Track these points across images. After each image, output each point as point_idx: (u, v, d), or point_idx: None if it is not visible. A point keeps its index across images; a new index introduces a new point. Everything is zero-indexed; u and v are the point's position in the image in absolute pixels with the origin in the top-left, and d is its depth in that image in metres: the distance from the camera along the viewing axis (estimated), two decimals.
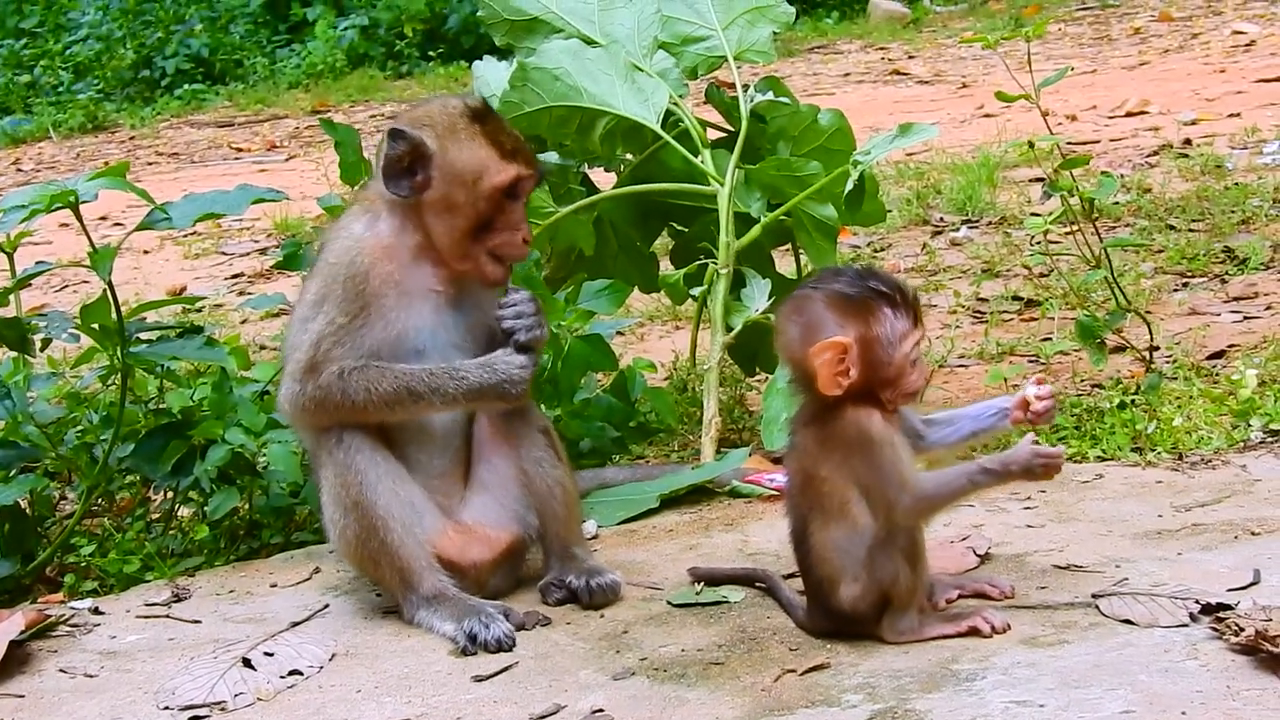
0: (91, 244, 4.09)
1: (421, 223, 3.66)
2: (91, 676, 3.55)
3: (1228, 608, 3.14)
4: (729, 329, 4.67)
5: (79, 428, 4.38)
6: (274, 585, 3.97)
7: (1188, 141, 9.34)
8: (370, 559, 3.63)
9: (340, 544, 3.67)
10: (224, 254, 9.66)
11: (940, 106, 12.30)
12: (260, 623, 3.73)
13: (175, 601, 3.93)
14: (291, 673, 3.43)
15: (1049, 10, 17.57)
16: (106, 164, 6.05)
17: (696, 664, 3.28)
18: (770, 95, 4.93)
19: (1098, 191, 4.65)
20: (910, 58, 15.89)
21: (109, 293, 4.10)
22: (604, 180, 5.19)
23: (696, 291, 4.83)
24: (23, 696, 3.48)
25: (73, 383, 4.78)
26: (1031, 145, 4.79)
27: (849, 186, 4.61)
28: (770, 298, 4.70)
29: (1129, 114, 10.84)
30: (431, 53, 20.47)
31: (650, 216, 5.09)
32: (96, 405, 4.41)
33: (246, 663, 3.46)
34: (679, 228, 5.09)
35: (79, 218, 4.09)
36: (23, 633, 3.67)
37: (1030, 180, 8.76)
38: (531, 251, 4.35)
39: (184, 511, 4.36)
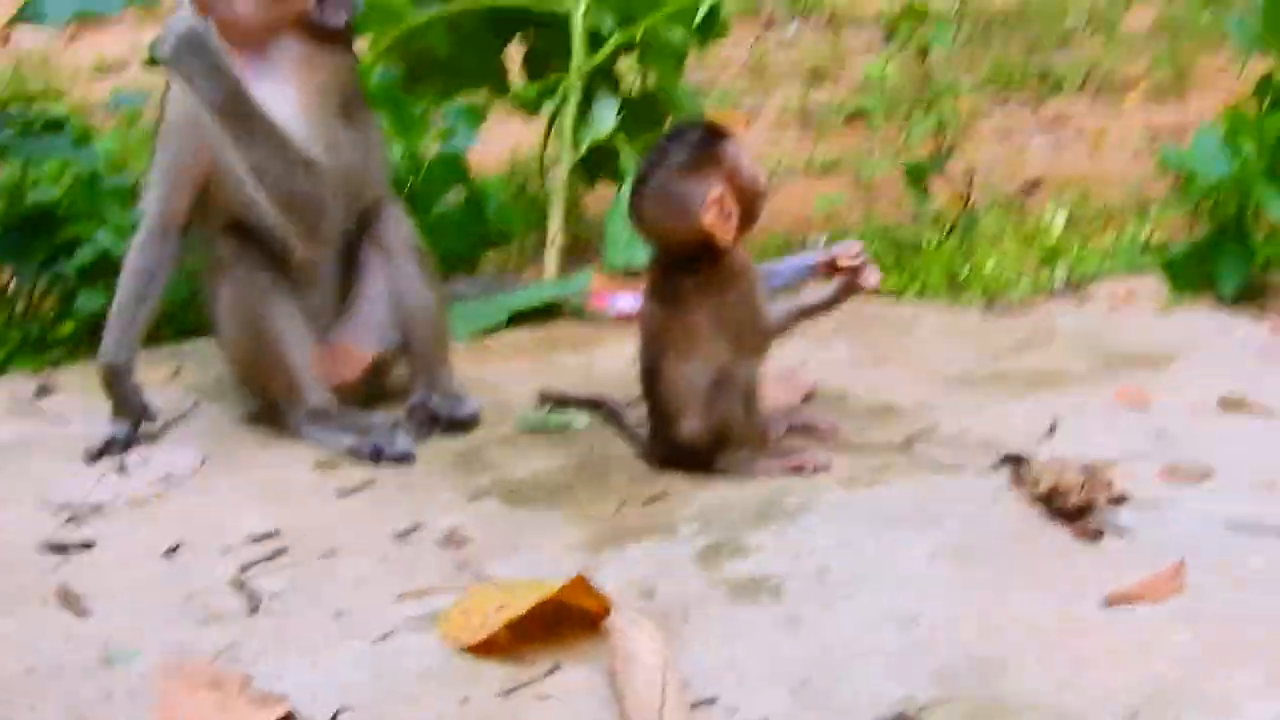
0: None
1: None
2: None
3: (1026, 460, 3.49)
4: (577, 145, 4.88)
5: None
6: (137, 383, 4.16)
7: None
8: (261, 372, 3.85)
9: (231, 353, 3.90)
10: None
11: None
12: None
13: (43, 394, 4.12)
14: (166, 475, 3.66)
15: None
16: None
17: (545, 487, 3.57)
18: None
19: (934, 37, 4.91)
20: None
21: None
22: None
23: (547, 108, 5.01)
24: None
25: None
26: None
27: (701, 13, 4.82)
28: (619, 114, 4.90)
29: None
30: None
31: (504, 26, 5.22)
32: None
33: (122, 466, 3.69)
34: (531, 41, 5.23)
35: None
36: None
37: None
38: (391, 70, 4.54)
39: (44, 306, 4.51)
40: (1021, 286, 4.53)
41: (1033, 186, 5.43)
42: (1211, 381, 3.89)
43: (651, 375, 3.60)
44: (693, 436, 3.57)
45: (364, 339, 3.97)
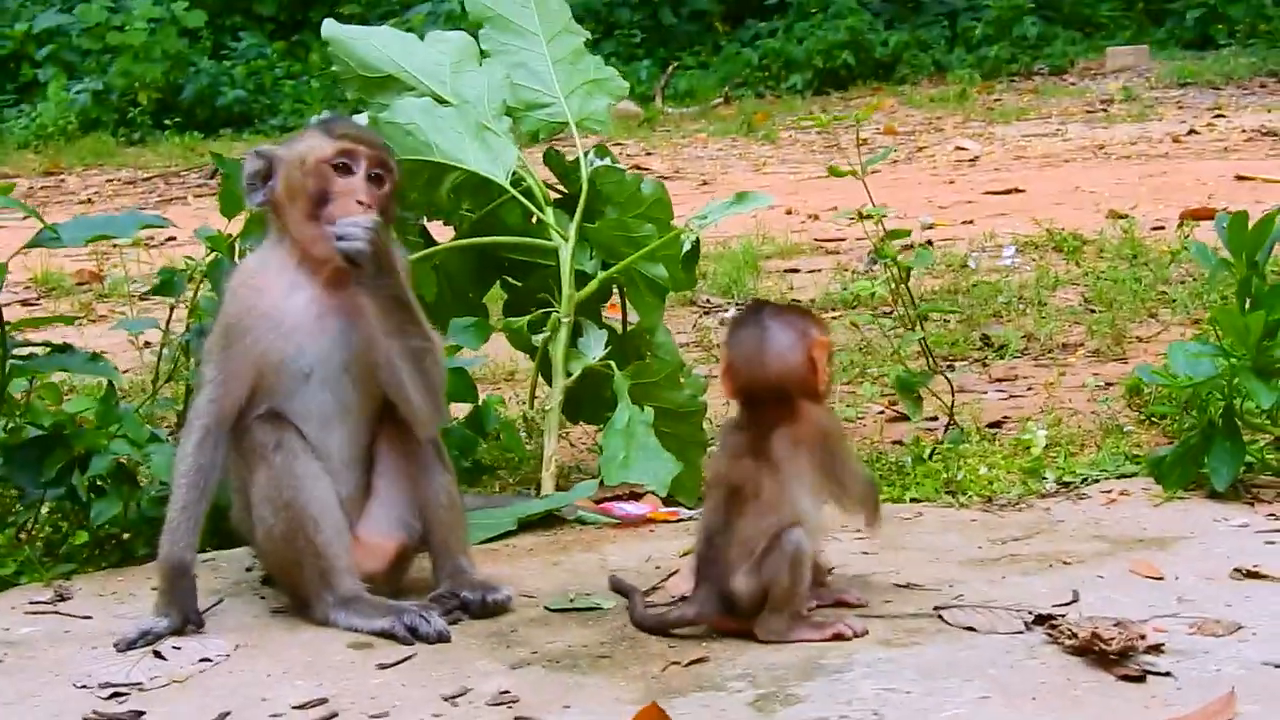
0: None
1: (280, 223, 3.99)
2: None
3: (1058, 617, 3.58)
4: (568, 374, 5.01)
5: None
6: (155, 588, 4.16)
7: (929, 243, 9.96)
8: (294, 558, 3.87)
9: (264, 542, 3.91)
10: None
11: (684, 201, 12.81)
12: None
13: (60, 600, 4.12)
14: (201, 660, 3.66)
15: (778, 119, 18.33)
16: None
17: (586, 657, 3.61)
18: (606, 161, 5.31)
19: (916, 261, 5.14)
20: (648, 154, 16.44)
21: None
22: (440, 234, 5.48)
23: (537, 339, 5.14)
24: None
25: None
26: (861, 215, 5.26)
27: (685, 248, 5.02)
28: (606, 347, 5.06)
29: (866, 216, 11.45)
30: (167, 121, 20.47)
31: (487, 269, 5.39)
32: None
33: (156, 654, 3.69)
34: (513, 281, 5.38)
35: None
36: None
37: (784, 270, 9.27)
38: None
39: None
40: (1016, 489, 4.65)
41: (999, 425, 5.59)
42: (1220, 557, 4.01)
43: (721, 531, 3.68)
44: (748, 592, 3.64)
45: (387, 529, 4.01)
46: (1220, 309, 4.63)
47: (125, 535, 4.47)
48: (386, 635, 3.78)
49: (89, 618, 4.00)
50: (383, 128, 5.10)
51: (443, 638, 3.75)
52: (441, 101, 5.24)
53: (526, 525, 4.55)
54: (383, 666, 3.60)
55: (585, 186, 5.23)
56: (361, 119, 5.24)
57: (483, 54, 5.43)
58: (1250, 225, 4.64)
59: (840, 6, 22.14)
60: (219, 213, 4.68)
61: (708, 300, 8.59)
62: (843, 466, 3.71)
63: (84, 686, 3.54)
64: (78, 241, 4.35)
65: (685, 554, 4.26)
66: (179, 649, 3.72)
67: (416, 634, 3.76)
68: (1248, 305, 4.49)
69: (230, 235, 4.61)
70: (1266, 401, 4.36)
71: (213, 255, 4.66)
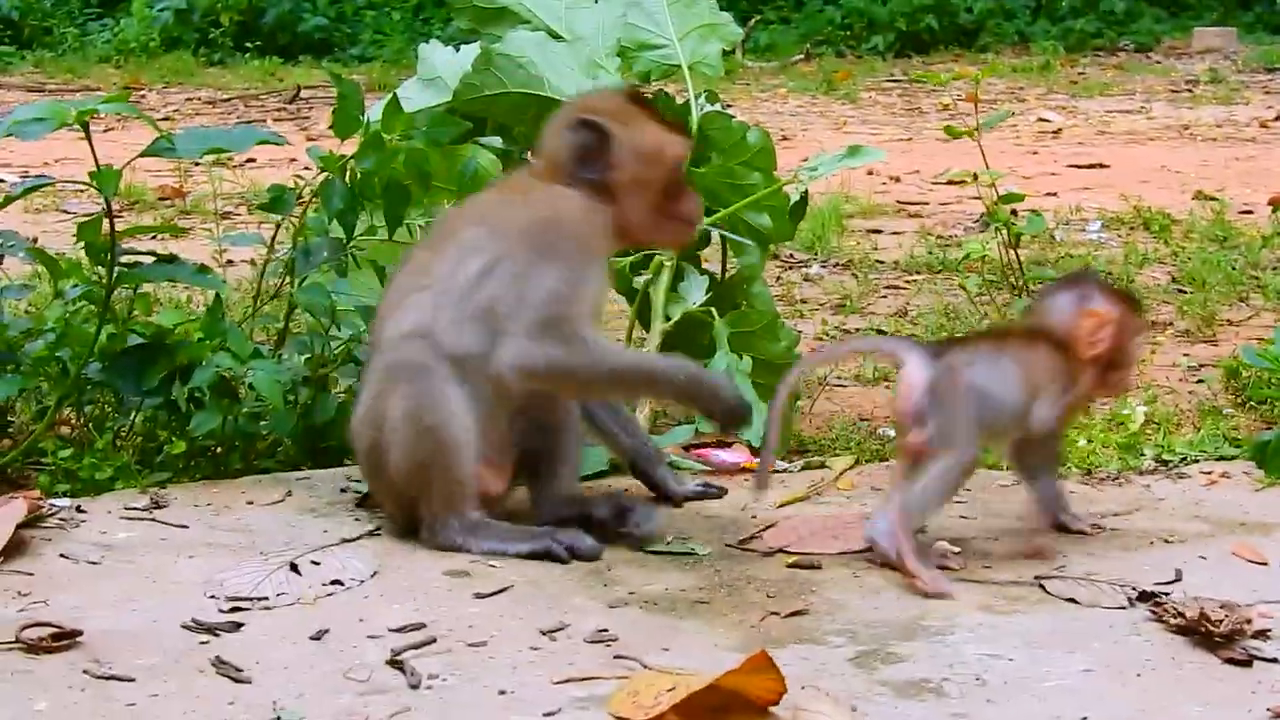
0: (97, 163, 4.27)
1: (608, 199, 4.03)
2: (95, 563, 3.76)
3: (1162, 595, 3.56)
4: (667, 318, 4.99)
5: (49, 339, 4.50)
6: (250, 503, 4.18)
7: (1013, 213, 9.88)
8: (425, 481, 3.86)
9: (399, 461, 3.87)
10: (65, 211, 9.69)
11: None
12: (247, 532, 3.96)
13: (155, 508, 4.13)
14: (333, 582, 3.66)
15: (858, 79, 18.22)
16: None
17: (683, 601, 3.60)
18: (716, 107, 5.27)
19: (1028, 227, 5.10)
20: (728, 106, 16.35)
21: (107, 211, 4.29)
22: None
23: (638, 282, 5.12)
24: (32, 575, 3.66)
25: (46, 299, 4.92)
26: (975, 177, 5.22)
27: (794, 199, 4.99)
28: (706, 294, 5.03)
29: (950, 182, 11.39)
30: (247, 44, 20.48)
31: None
32: (65, 321, 4.53)
33: (294, 567, 3.71)
34: None
35: (88, 136, 4.26)
36: (25, 517, 3.85)
37: (868, 230, 9.23)
38: None
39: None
40: (1115, 463, 4.61)
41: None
42: None
43: None
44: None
45: (507, 452, 4.03)
46: None
47: (219, 449, 4.47)
48: (541, 556, 3.82)
49: (185, 526, 4.01)
50: (495, 59, 5.09)
51: (596, 555, 3.83)
52: (556, 37, 5.21)
53: (618, 466, 4.53)
54: (480, 596, 3.60)
55: (695, 130, 5.19)
56: (471, 49, 5.23)
57: None
58: None
59: None
60: (332, 133, 4.66)
61: (791, 255, 8.55)
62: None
63: (212, 596, 3.56)
64: (193, 153, 4.35)
65: (783, 504, 4.24)
66: (318, 564, 3.73)
67: (576, 553, 3.83)
68: None
69: (343, 156, 4.59)
70: None
71: (323, 175, 4.63)
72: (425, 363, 3.86)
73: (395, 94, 4.95)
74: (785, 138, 13.97)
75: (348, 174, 4.62)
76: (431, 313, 3.91)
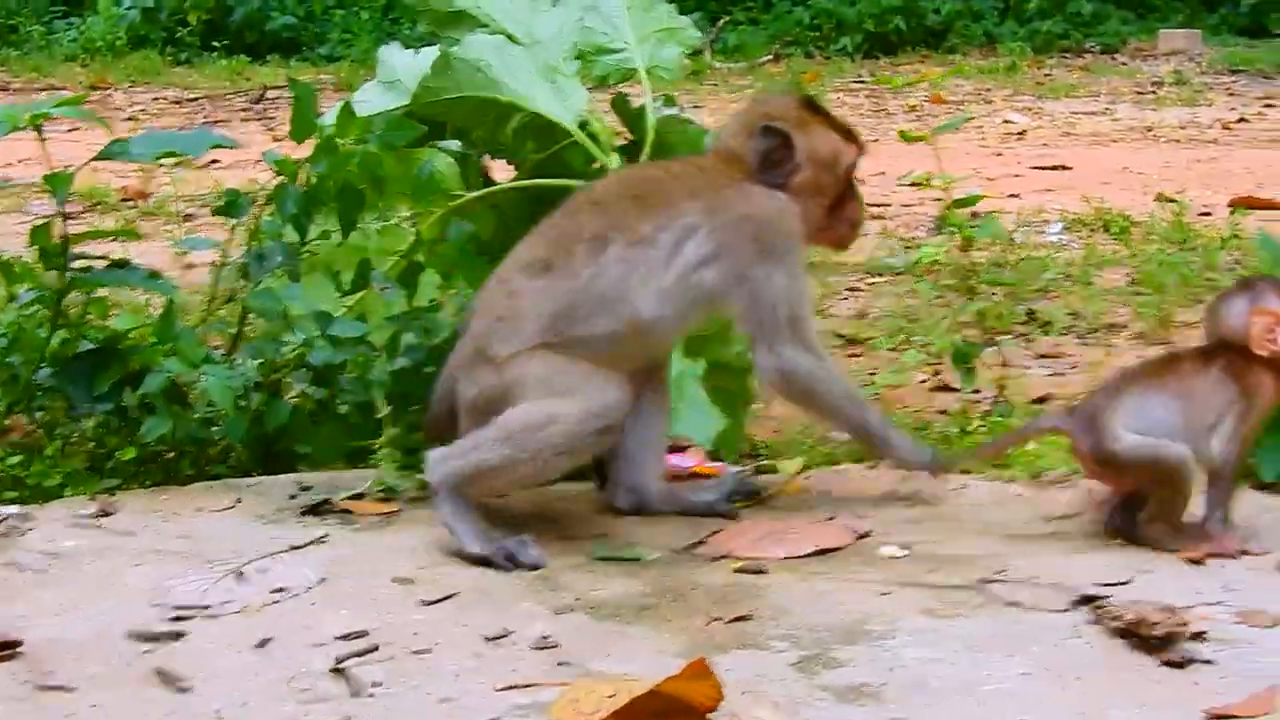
0: (50, 165, 4.28)
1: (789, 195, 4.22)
2: (41, 572, 3.77)
3: (1103, 598, 3.58)
4: None
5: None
6: (199, 510, 4.20)
7: (975, 214, 9.91)
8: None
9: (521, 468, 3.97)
10: (28, 213, 9.67)
11: None
12: (195, 540, 3.97)
13: (103, 516, 4.13)
14: (278, 589, 3.67)
15: (826, 80, 18.25)
16: None
17: (629, 607, 3.61)
18: (673, 110, 5.29)
19: (981, 231, 5.13)
20: (695, 108, 16.38)
21: (60, 215, 4.30)
22: (503, 174, 5.46)
23: None
24: None
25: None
26: (928, 181, 5.24)
27: None
28: None
29: (913, 184, 11.41)
30: (214, 43, 20.46)
31: (547, 211, 5.36)
32: (17, 326, 4.53)
33: (239, 574, 3.73)
34: None
35: (40, 138, 4.27)
36: None
37: None
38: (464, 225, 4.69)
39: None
40: (1063, 467, 4.63)
41: (1042, 401, 5.58)
42: (1272, 548, 3.99)
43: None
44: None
45: None
46: None
47: (170, 455, 4.48)
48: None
49: (133, 534, 4.02)
50: (454, 62, 5.09)
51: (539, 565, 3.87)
52: (514, 41, 5.22)
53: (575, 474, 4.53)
54: (426, 603, 3.62)
55: (651, 133, 5.21)
56: (431, 52, 5.24)
57: None
58: None
59: None
60: (289, 137, 4.68)
61: None
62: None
63: (158, 605, 3.57)
64: (147, 157, 4.38)
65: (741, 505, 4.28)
66: (264, 572, 3.74)
67: (517, 563, 3.87)
68: None
69: (298, 160, 4.60)
70: None
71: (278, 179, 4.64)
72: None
73: (349, 99, 4.97)
74: None
75: (303, 178, 4.64)
76: (628, 273, 4.06)
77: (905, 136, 5.28)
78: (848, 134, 4.33)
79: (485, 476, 3.95)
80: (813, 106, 4.36)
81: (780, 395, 4.20)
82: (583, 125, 5.21)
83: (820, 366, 4.15)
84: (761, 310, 4.10)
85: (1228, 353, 4.03)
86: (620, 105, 5.46)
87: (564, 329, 4.01)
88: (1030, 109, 16.15)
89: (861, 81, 18.42)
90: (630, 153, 5.25)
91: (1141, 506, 3.99)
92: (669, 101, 5.38)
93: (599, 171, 5.20)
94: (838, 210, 4.31)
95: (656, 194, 4.17)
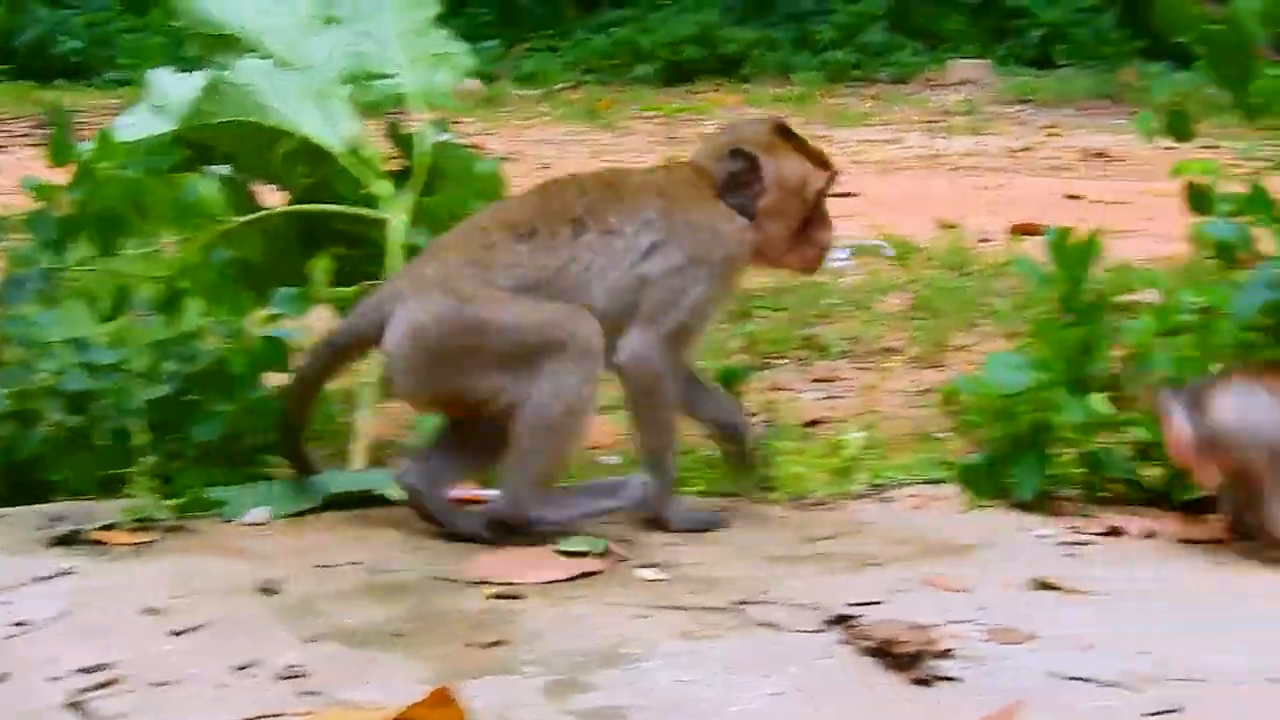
0: None
1: (751, 221, 4.38)
2: None
3: (856, 618, 3.61)
4: None
5: None
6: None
7: None
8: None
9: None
10: None
11: (522, 184, 12.76)
12: None
13: None
14: (15, 624, 3.57)
15: (622, 108, 18.34)
16: None
17: (382, 633, 3.57)
18: (446, 136, 5.26)
19: None
20: (490, 134, 16.36)
21: None
22: (273, 200, 5.40)
23: None
24: None
25: None
26: None
27: None
28: None
29: None
30: (2, 66, 20.08)
31: (317, 237, 5.32)
32: None
33: None
34: (345, 251, 5.32)
35: None
36: None
37: None
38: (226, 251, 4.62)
39: None
40: (827, 489, 4.68)
41: (813, 424, 5.62)
42: (1020, 567, 4.06)
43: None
44: None
45: None
46: (1041, 321, 4.70)
47: None
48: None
49: None
50: (223, 87, 5.04)
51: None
52: (284, 65, 5.17)
53: (335, 501, 4.49)
54: (174, 633, 3.55)
55: (422, 161, 5.19)
56: (200, 76, 5.17)
57: (331, 20, 5.37)
58: (1076, 242, 4.72)
59: (692, 0, 22.21)
60: (48, 162, 4.58)
61: None
62: None
63: None
64: None
65: None
66: (8, 604, 3.64)
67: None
68: (1066, 320, 4.56)
69: (58, 186, 4.51)
70: (1076, 416, 4.43)
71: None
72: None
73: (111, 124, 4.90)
74: (545, 166, 14.01)
75: (63, 203, 4.55)
76: (594, 261, 4.23)
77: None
78: (819, 160, 4.47)
79: (554, 464, 4.19)
80: (785, 132, 4.47)
81: (625, 376, 4.27)
82: (354, 151, 5.18)
83: (672, 379, 4.28)
84: (665, 301, 4.24)
85: None
86: (393, 131, 5.43)
87: (532, 290, 4.18)
88: (823, 137, 16.33)
89: (658, 109, 18.52)
90: (405, 179, 5.23)
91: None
92: (441, 127, 5.36)
93: (369, 197, 5.18)
94: (805, 233, 4.45)
95: (628, 189, 4.35)
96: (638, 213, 4.30)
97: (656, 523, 4.31)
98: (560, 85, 20.40)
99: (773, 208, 4.38)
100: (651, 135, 16.36)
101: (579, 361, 4.10)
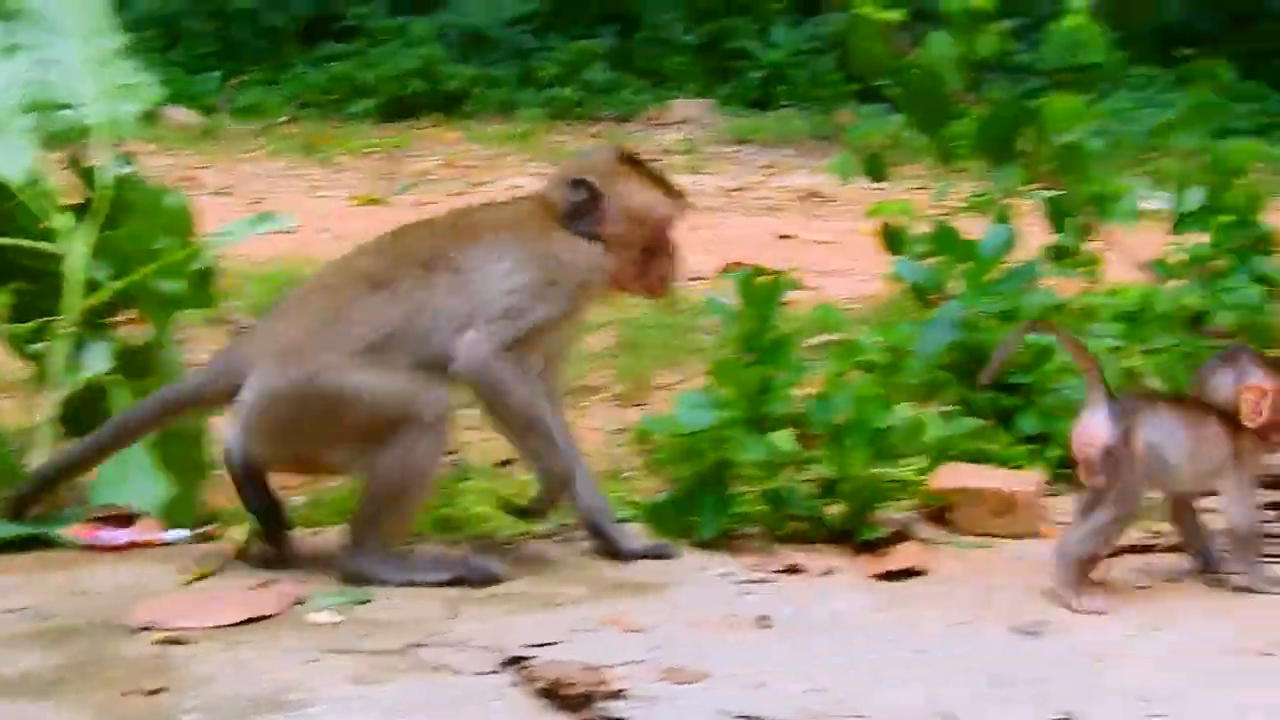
0: None
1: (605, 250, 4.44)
2: None
3: (528, 659, 3.60)
4: (68, 386, 4.82)
5: None
6: None
7: None
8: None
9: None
10: None
11: (232, 218, 12.52)
12: None
13: None
14: None
15: (340, 142, 18.16)
16: None
17: (39, 682, 3.47)
18: (129, 169, 5.14)
19: None
20: (204, 167, 16.09)
21: None
22: None
23: (38, 347, 4.92)
24: None
25: None
26: None
27: (201, 265, 4.91)
28: (114, 361, 4.89)
29: None
30: None
31: None
32: None
33: None
34: (26, 286, 5.15)
35: None
36: None
37: None
38: None
39: None
40: (511, 528, 4.66)
41: (506, 464, 5.60)
42: (699, 605, 4.10)
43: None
44: None
45: None
46: (720, 361, 4.76)
47: None
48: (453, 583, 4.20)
49: None
50: None
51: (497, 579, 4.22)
52: None
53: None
54: None
55: (104, 194, 5.06)
56: None
57: (13, 48, 5.22)
58: (763, 282, 4.78)
59: (414, 36, 22.13)
60: None
61: (239, 321, 8.41)
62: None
63: None
64: None
65: (192, 580, 4.16)
66: None
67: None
68: (748, 359, 4.62)
69: None
70: (755, 454, 4.48)
71: None
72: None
73: None
74: (259, 200, 13.82)
75: None
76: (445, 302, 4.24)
77: (360, 199, 5.26)
78: (666, 189, 4.53)
79: (399, 524, 4.22)
80: (631, 162, 4.53)
81: (465, 383, 4.26)
82: (34, 183, 5.04)
83: (517, 380, 4.26)
84: (507, 312, 4.25)
85: (1220, 415, 4.33)
86: (74, 164, 5.30)
87: (386, 346, 4.18)
88: (545, 174, 16.34)
89: (376, 145, 18.39)
90: (83, 212, 5.10)
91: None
92: (124, 160, 5.23)
93: (49, 231, 5.04)
94: (650, 262, 4.49)
95: (476, 226, 4.40)
96: (487, 249, 4.32)
97: (609, 554, 4.47)
98: (280, 119, 20.15)
99: (616, 235, 4.43)
100: (369, 170, 16.24)
101: (427, 432, 4.14)
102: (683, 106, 21.95)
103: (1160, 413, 4.27)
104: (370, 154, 17.39)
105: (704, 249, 11.29)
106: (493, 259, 4.31)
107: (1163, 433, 4.23)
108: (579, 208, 4.43)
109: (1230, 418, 4.33)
